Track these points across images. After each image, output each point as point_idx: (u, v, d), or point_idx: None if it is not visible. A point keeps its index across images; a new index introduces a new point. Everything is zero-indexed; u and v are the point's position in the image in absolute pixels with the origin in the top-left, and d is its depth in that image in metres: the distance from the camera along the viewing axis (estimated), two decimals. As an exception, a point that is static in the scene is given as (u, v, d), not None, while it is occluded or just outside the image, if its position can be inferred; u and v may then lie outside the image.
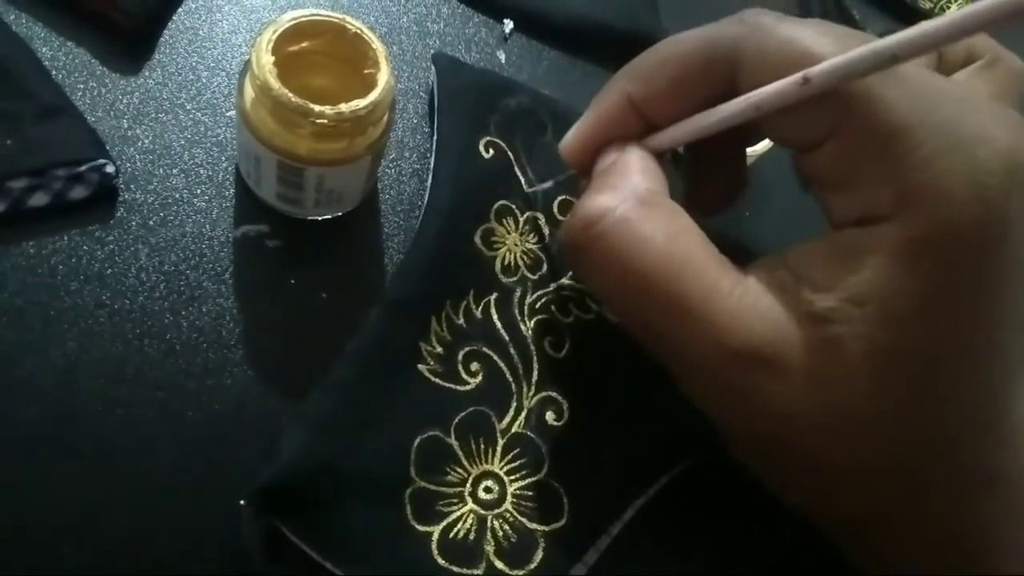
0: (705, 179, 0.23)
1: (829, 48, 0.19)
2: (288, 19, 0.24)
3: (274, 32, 0.23)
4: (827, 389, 0.20)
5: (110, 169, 0.26)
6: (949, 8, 0.54)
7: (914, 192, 0.18)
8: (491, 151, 0.30)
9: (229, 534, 0.21)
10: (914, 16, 0.52)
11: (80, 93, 0.28)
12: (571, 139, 0.25)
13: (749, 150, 0.37)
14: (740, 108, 0.21)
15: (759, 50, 0.21)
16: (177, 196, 0.27)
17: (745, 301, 0.20)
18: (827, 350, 0.19)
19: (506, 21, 0.37)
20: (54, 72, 0.27)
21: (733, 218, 0.36)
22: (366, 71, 0.25)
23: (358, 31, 0.25)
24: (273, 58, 0.23)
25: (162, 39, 0.30)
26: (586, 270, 0.23)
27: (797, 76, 0.19)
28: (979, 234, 0.18)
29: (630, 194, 0.21)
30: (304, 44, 0.25)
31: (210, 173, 0.28)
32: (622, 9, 0.39)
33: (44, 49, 0.28)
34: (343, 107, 0.23)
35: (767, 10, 0.21)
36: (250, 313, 0.26)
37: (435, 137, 0.30)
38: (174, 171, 0.27)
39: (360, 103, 0.23)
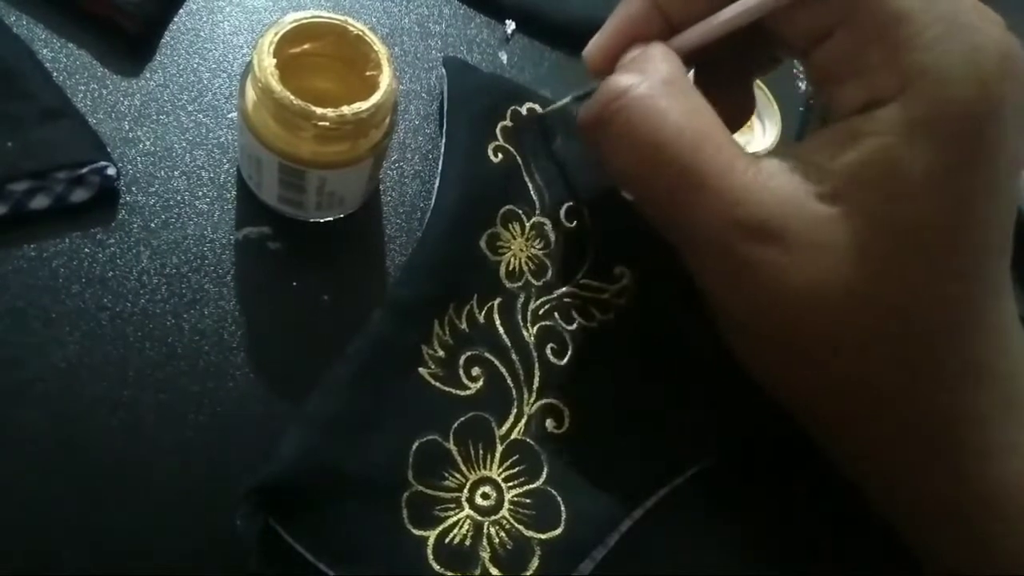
0: (714, 102, 0.24)
1: None
2: (290, 21, 0.24)
3: (276, 34, 0.23)
4: (831, 263, 0.21)
5: (111, 171, 0.26)
6: None
7: (916, 73, 0.20)
8: (499, 156, 0.29)
9: (229, 535, 0.21)
10: None
11: (81, 95, 0.28)
12: (595, 42, 0.26)
13: (756, 150, 0.37)
14: (757, 1, 0.22)
15: None
16: (179, 198, 0.27)
17: (758, 179, 0.21)
18: (832, 225, 0.21)
19: (508, 22, 0.37)
20: (55, 74, 0.27)
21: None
22: (368, 73, 0.25)
23: (360, 33, 0.25)
24: (275, 60, 0.23)
25: (163, 41, 0.30)
26: (606, 144, 0.23)
27: None
28: (975, 113, 0.20)
29: (653, 73, 0.22)
30: (306, 46, 0.25)
31: (212, 175, 0.28)
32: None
33: (45, 51, 0.28)
34: (345, 109, 0.23)
35: None
36: (252, 315, 0.26)
37: (443, 140, 0.30)
38: (175, 173, 0.27)
39: (362, 105, 0.23)
